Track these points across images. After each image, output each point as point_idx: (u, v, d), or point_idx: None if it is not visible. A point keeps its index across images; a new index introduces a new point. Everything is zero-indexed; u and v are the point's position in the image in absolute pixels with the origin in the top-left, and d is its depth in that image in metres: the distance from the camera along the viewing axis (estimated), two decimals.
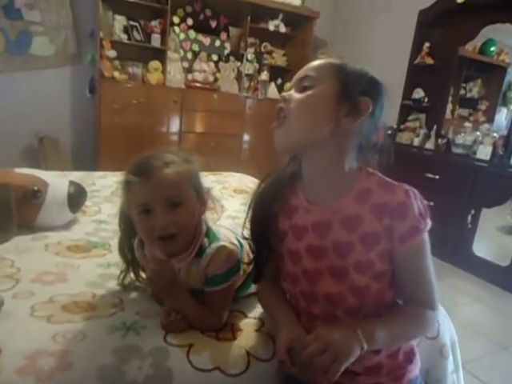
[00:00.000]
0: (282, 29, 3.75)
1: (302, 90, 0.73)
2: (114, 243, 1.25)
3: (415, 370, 0.80)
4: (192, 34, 3.54)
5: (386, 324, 0.71)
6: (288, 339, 0.70)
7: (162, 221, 0.78)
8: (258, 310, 0.96)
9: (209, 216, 0.92)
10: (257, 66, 3.80)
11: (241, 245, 0.95)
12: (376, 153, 0.76)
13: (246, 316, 0.94)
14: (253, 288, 1.02)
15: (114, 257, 1.17)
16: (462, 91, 3.35)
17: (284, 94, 0.75)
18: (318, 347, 0.63)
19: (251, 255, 1.00)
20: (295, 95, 0.73)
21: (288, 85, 3.93)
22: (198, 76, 3.60)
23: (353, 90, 0.70)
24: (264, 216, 0.81)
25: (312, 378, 0.66)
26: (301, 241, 0.76)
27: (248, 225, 0.84)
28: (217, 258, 0.84)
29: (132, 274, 1.00)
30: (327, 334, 0.65)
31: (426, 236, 0.71)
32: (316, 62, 0.76)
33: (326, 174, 0.74)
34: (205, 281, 0.86)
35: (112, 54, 3.18)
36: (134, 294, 0.98)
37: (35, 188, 1.27)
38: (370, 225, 0.70)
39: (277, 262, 0.84)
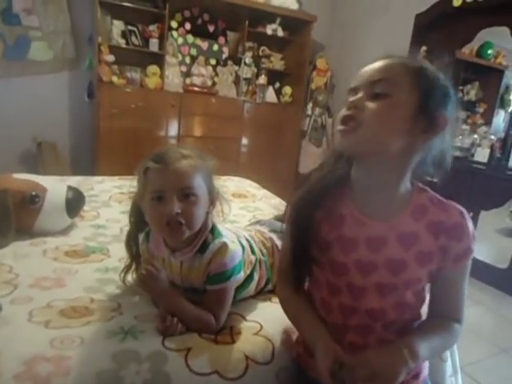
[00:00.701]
0: (280, 33, 3.76)
1: (374, 96, 0.65)
2: (113, 248, 1.26)
3: (427, 367, 0.81)
4: (190, 38, 3.55)
5: (426, 339, 0.69)
6: (329, 360, 0.65)
7: (172, 208, 0.80)
8: (256, 314, 0.96)
9: (215, 217, 0.94)
10: (255, 69, 3.81)
11: (242, 247, 0.96)
12: (436, 169, 0.72)
13: (244, 319, 0.94)
14: (252, 291, 1.02)
15: (112, 262, 1.17)
16: (460, 94, 3.36)
17: (354, 99, 0.66)
18: (367, 373, 0.61)
19: (251, 257, 1.00)
20: (369, 104, 0.64)
21: (286, 88, 3.95)
22: (196, 80, 3.61)
23: (432, 102, 0.64)
24: (307, 221, 0.74)
25: None
26: (350, 254, 0.71)
27: (286, 229, 0.80)
28: (219, 256, 0.86)
29: (133, 273, 1.01)
30: (376, 360, 0.63)
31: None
32: (390, 62, 0.67)
33: (384, 187, 0.70)
34: (206, 278, 0.87)
35: (110, 58, 3.18)
36: (132, 299, 0.97)
37: (33, 193, 1.27)
38: (426, 243, 0.68)
39: (305, 268, 0.79)
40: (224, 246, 0.87)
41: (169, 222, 0.81)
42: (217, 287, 0.87)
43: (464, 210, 0.70)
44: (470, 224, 0.70)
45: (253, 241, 1.07)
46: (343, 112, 0.67)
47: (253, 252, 1.03)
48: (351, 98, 0.67)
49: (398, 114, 0.64)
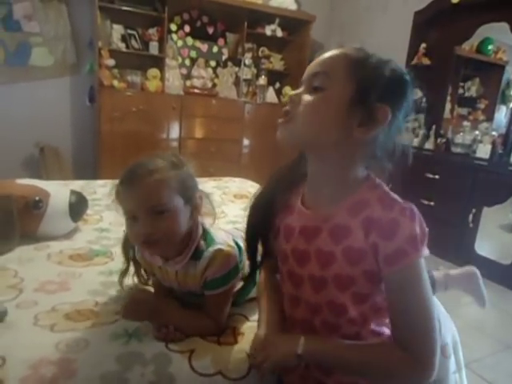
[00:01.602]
0: (279, 33, 3.77)
1: (312, 90, 0.65)
2: (116, 251, 1.26)
3: None
4: (189, 40, 3.56)
5: (338, 346, 0.67)
6: (255, 339, 0.74)
7: (143, 229, 0.79)
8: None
9: (206, 220, 0.93)
10: (255, 70, 3.82)
11: (239, 247, 0.95)
12: (392, 161, 0.69)
13: (247, 319, 0.94)
14: (254, 292, 1.03)
15: (116, 264, 1.18)
16: (461, 90, 3.36)
17: (292, 93, 0.67)
18: (259, 346, 0.70)
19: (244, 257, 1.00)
20: (305, 97, 0.65)
21: (287, 89, 3.95)
22: (197, 82, 3.62)
23: (369, 94, 0.62)
24: (264, 209, 0.79)
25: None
26: (289, 242, 0.75)
27: (248, 219, 0.83)
28: (215, 262, 0.85)
29: (134, 277, 1.01)
30: (271, 336, 0.71)
31: (419, 266, 0.61)
32: (330, 54, 0.66)
33: (328, 180, 0.69)
34: (203, 284, 0.87)
35: (111, 62, 3.20)
36: None
37: (37, 198, 1.29)
38: (356, 239, 0.64)
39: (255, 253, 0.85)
40: (219, 251, 0.85)
41: (144, 240, 0.80)
42: (215, 292, 0.86)
43: (410, 209, 0.62)
44: (412, 224, 0.60)
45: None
46: (284, 108, 0.68)
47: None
48: (291, 93, 0.68)
49: (330, 107, 0.63)
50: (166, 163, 0.83)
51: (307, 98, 0.65)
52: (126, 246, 0.98)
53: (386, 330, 0.71)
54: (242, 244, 0.98)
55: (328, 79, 0.64)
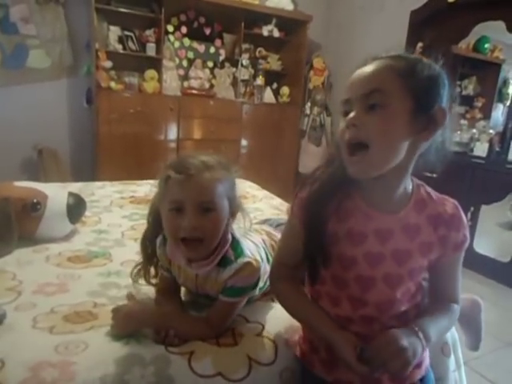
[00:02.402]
0: (276, 33, 3.77)
1: (368, 108, 0.64)
2: (115, 252, 1.27)
3: (428, 357, 0.83)
4: (187, 41, 3.56)
5: (435, 322, 0.74)
6: (352, 347, 0.68)
7: (191, 222, 0.77)
8: (258, 314, 0.97)
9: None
10: (252, 71, 3.82)
11: (261, 259, 0.92)
12: (439, 161, 0.74)
13: (247, 321, 0.94)
14: (259, 296, 1.02)
15: (115, 266, 1.18)
16: (458, 89, 3.36)
17: (352, 118, 0.65)
18: (392, 353, 0.64)
19: (267, 268, 0.94)
20: (368, 119, 0.64)
21: (284, 89, 3.96)
22: (194, 83, 3.62)
23: (427, 101, 0.64)
24: (318, 217, 0.74)
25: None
26: (358, 247, 0.72)
27: (291, 223, 0.81)
28: (241, 272, 0.83)
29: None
30: (398, 340, 0.66)
31: None
32: (373, 69, 0.66)
33: (389, 185, 0.72)
34: (222, 289, 0.85)
35: (108, 64, 3.20)
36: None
37: (35, 200, 1.28)
38: (427, 234, 0.73)
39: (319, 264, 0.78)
40: (248, 265, 0.83)
41: (184, 237, 0.78)
42: (230, 300, 0.85)
43: (456, 202, 0.76)
44: (463, 214, 0.76)
45: (265, 246, 1.04)
46: (346, 135, 0.66)
47: (268, 261, 0.99)
48: (350, 115, 0.66)
49: (399, 122, 0.64)
50: (219, 164, 0.84)
51: (371, 120, 0.64)
52: (145, 241, 0.96)
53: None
54: (264, 256, 0.96)
55: (385, 96, 0.63)
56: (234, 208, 0.86)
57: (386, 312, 0.75)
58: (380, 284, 0.73)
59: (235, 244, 0.87)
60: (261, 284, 0.92)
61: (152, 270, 0.99)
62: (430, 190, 0.78)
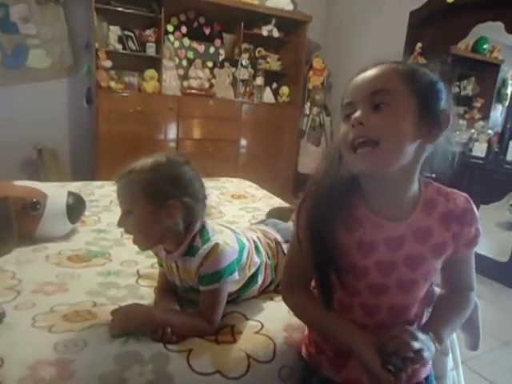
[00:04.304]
0: (276, 34, 3.77)
1: (375, 107, 0.64)
2: (114, 252, 1.27)
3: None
4: (186, 41, 3.56)
5: (448, 321, 0.74)
6: (377, 357, 0.65)
7: (119, 225, 0.89)
8: (257, 312, 0.97)
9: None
10: (252, 71, 3.82)
11: (243, 245, 0.96)
12: (443, 163, 0.73)
13: (246, 318, 0.95)
14: (255, 292, 1.03)
15: (114, 265, 1.18)
16: (457, 89, 3.37)
17: (358, 116, 0.64)
18: (415, 345, 0.64)
19: (256, 259, 1.01)
20: (375, 117, 0.63)
21: (284, 89, 3.96)
22: (194, 83, 3.62)
23: (431, 102, 0.65)
24: (327, 231, 0.71)
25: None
26: (369, 257, 0.71)
27: (297, 234, 0.77)
28: (210, 257, 0.87)
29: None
30: (413, 330, 0.67)
31: None
32: (378, 71, 0.66)
33: (396, 190, 0.70)
34: (198, 279, 0.89)
35: (108, 64, 3.20)
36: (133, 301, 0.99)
37: (34, 200, 1.29)
38: (440, 235, 0.71)
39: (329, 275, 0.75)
40: (215, 246, 0.87)
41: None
42: (209, 288, 0.87)
43: (467, 196, 0.74)
44: (475, 208, 0.73)
45: (260, 243, 1.07)
46: (350, 134, 0.65)
47: (258, 253, 1.03)
48: (355, 115, 0.65)
49: (406, 121, 0.63)
50: (148, 165, 0.88)
51: (379, 118, 0.63)
52: None
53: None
54: (248, 245, 1.00)
55: (391, 95, 0.63)
56: (165, 204, 0.86)
57: (399, 317, 0.74)
58: (393, 290, 0.72)
59: (203, 232, 0.91)
60: (249, 273, 0.98)
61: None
62: (438, 186, 0.75)
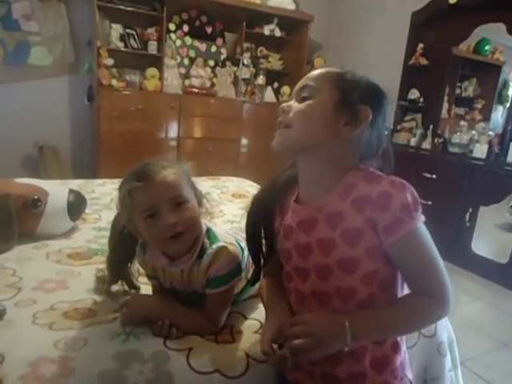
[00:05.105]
0: (278, 33, 3.77)
1: (301, 100, 0.73)
2: None
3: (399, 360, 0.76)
4: (188, 40, 3.56)
5: (378, 318, 0.68)
6: (275, 330, 0.71)
7: (171, 219, 0.80)
8: (257, 312, 0.98)
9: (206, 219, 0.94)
10: (253, 70, 3.83)
11: (242, 249, 0.95)
12: (377, 160, 0.76)
13: (245, 318, 0.95)
14: (252, 291, 1.04)
15: None
16: (458, 90, 3.37)
17: (283, 105, 0.75)
18: (304, 330, 0.63)
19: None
20: (295, 105, 0.74)
21: (285, 88, 3.96)
22: (195, 82, 3.63)
23: (351, 97, 0.71)
24: (261, 216, 0.82)
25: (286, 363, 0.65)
26: (289, 240, 0.77)
27: (246, 227, 0.84)
28: (218, 259, 0.85)
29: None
30: (315, 322, 0.65)
31: (420, 228, 0.66)
32: (315, 72, 0.76)
33: (320, 175, 0.74)
34: (206, 283, 0.87)
35: (109, 62, 3.20)
36: None
37: (35, 197, 1.29)
38: (351, 220, 0.67)
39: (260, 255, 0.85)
40: (222, 248, 0.86)
41: (172, 235, 0.81)
42: (217, 291, 0.86)
43: (398, 181, 0.66)
44: (402, 194, 0.64)
45: None
46: (279, 118, 0.75)
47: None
48: (282, 105, 0.75)
49: (320, 110, 0.71)
50: (170, 161, 0.88)
51: (297, 105, 0.73)
52: (113, 263, 1.00)
53: None
54: (244, 245, 0.99)
55: (315, 90, 0.72)
56: (199, 197, 0.90)
57: (325, 305, 0.72)
58: (312, 274, 0.73)
59: (209, 233, 0.91)
60: (248, 276, 0.95)
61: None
62: (372, 172, 0.71)
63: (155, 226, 0.81)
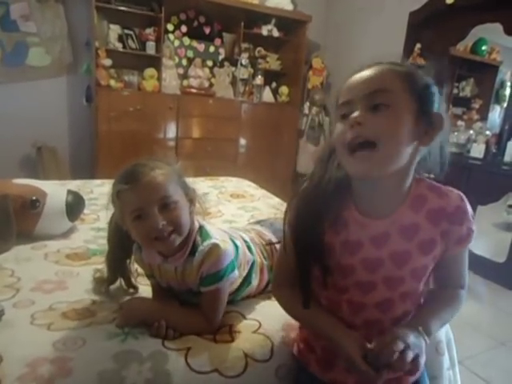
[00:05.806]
0: (275, 33, 3.78)
1: (373, 108, 0.64)
2: None
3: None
4: (186, 40, 3.56)
5: (436, 314, 0.74)
6: (358, 349, 0.66)
7: (157, 221, 0.80)
8: (255, 312, 0.98)
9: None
10: (251, 70, 3.82)
11: (236, 246, 0.96)
12: (437, 164, 0.74)
13: (244, 317, 0.95)
14: (249, 290, 1.04)
15: None
16: (455, 90, 3.37)
17: (355, 116, 0.64)
18: (399, 347, 0.62)
19: (248, 256, 1.01)
20: (373, 118, 0.63)
21: (283, 88, 3.96)
22: (194, 82, 3.62)
23: (429, 106, 0.66)
24: (315, 232, 0.72)
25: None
26: (355, 256, 0.72)
27: (289, 243, 0.76)
28: (210, 257, 0.85)
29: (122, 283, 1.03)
30: (404, 335, 0.64)
31: None
32: (376, 71, 0.66)
33: (393, 189, 0.70)
34: (199, 280, 0.87)
35: (107, 62, 3.20)
36: None
37: (33, 198, 1.29)
38: (427, 232, 0.70)
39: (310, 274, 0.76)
40: (214, 246, 0.86)
41: (157, 236, 0.82)
42: (211, 288, 0.87)
43: (462, 194, 0.72)
44: (469, 206, 0.71)
45: (252, 243, 1.07)
46: (348, 135, 0.64)
47: (250, 252, 1.03)
48: (353, 115, 0.64)
49: (405, 122, 0.63)
50: (160, 162, 0.87)
51: (378, 119, 0.63)
52: (112, 261, 1.01)
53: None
54: (240, 244, 1.00)
55: (389, 95, 0.63)
56: (190, 196, 0.90)
57: (386, 313, 0.74)
58: (381, 287, 0.72)
59: (201, 230, 0.91)
60: (244, 273, 0.97)
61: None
62: (431, 182, 0.73)
63: (142, 227, 0.82)
